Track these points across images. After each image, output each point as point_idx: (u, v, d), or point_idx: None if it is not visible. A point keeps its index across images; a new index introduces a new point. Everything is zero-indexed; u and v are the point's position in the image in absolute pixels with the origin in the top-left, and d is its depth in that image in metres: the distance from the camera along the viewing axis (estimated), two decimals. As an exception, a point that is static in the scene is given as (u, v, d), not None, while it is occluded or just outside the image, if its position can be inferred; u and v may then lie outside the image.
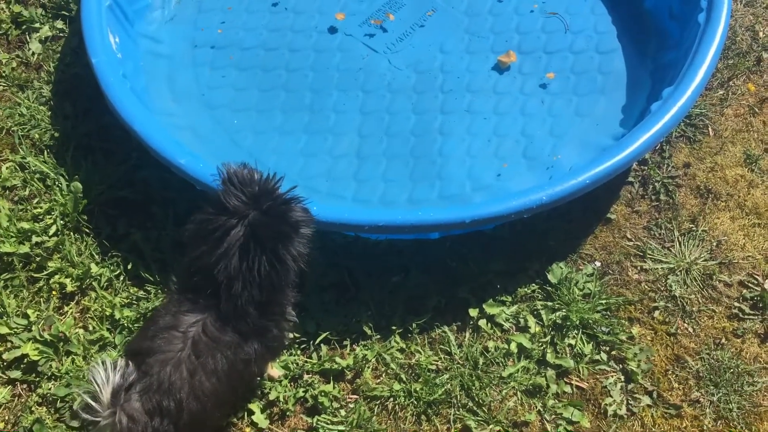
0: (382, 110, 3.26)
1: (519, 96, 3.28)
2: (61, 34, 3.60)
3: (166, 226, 3.00)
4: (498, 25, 3.48)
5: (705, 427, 2.65)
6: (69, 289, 2.87)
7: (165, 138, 2.77)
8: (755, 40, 3.52)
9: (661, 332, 2.84)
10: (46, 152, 3.21)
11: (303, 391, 2.68)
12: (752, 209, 3.09)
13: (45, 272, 2.92)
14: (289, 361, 2.72)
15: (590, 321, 2.81)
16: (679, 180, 3.15)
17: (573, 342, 2.79)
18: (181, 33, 3.52)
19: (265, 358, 2.41)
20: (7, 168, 3.17)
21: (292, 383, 2.71)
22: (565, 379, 2.74)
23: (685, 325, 2.85)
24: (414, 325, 2.80)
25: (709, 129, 3.29)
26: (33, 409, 2.67)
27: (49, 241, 2.96)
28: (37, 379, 2.72)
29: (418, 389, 2.67)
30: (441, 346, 2.79)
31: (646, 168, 3.17)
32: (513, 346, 2.78)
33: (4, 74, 3.47)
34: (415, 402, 2.67)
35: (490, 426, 2.64)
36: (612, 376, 2.74)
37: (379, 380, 2.73)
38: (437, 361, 2.76)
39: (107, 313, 2.81)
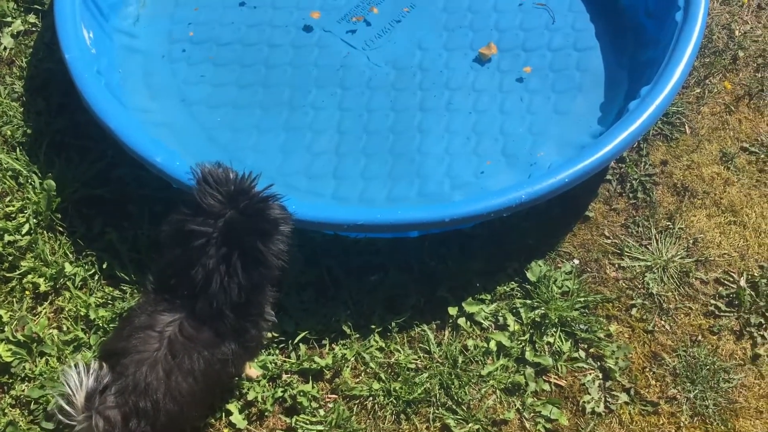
0: (361, 107, 3.24)
1: (497, 94, 3.27)
2: (33, 29, 3.54)
3: (143, 225, 2.96)
4: (477, 22, 3.47)
5: (682, 424, 2.67)
6: (42, 288, 2.82)
7: (141, 135, 2.74)
8: (731, 39, 3.54)
9: (638, 330, 2.85)
10: (18, 149, 3.15)
11: (281, 391, 2.66)
12: (728, 207, 3.12)
13: (18, 272, 2.87)
14: (268, 360, 2.70)
15: (568, 319, 2.82)
16: (656, 178, 3.17)
17: (551, 340, 2.80)
18: (157, 28, 3.47)
19: (242, 358, 2.39)
20: (-22, 165, 3.12)
21: (270, 383, 2.69)
22: (543, 377, 2.75)
23: (662, 322, 2.87)
24: (393, 323, 2.79)
25: (686, 127, 3.31)
26: (6, 411, 2.62)
27: (21, 240, 2.91)
28: (11, 380, 2.68)
29: (397, 388, 2.67)
30: (420, 345, 2.79)
31: (623, 166, 3.19)
32: (492, 345, 2.78)
33: (-26, 69, 3.40)
34: (395, 401, 2.66)
35: (470, 425, 2.64)
36: (590, 374, 2.75)
37: (358, 379, 2.72)
38: (416, 359, 2.75)
39: (82, 313, 2.77)
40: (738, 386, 2.75)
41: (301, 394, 2.65)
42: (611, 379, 2.74)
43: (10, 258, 2.88)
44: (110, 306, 2.80)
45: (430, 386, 2.69)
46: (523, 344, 2.79)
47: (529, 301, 2.86)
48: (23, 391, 2.65)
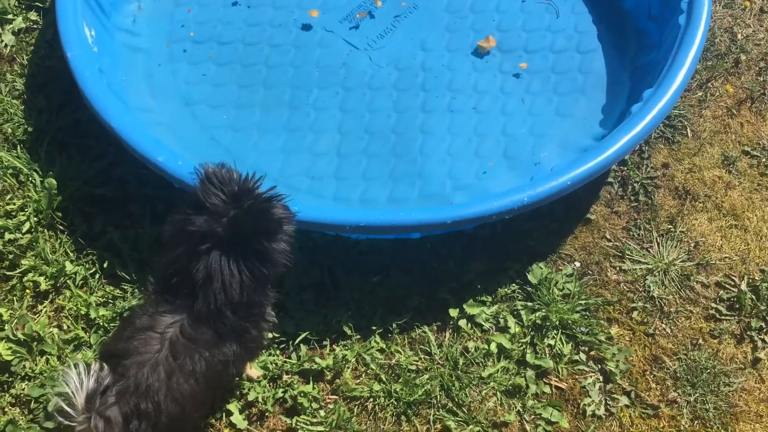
0: (363, 108, 3.24)
1: (500, 95, 3.27)
2: (35, 26, 3.53)
3: (144, 224, 2.95)
4: (479, 23, 3.47)
5: (682, 428, 2.68)
6: (43, 287, 2.82)
7: (142, 135, 2.73)
8: (734, 42, 3.54)
9: (639, 333, 2.85)
10: (19, 147, 3.14)
11: (282, 392, 2.66)
12: (729, 210, 3.12)
13: (18, 270, 2.86)
14: (268, 361, 2.70)
15: (569, 321, 2.81)
16: (658, 181, 3.17)
17: (552, 342, 2.80)
18: (158, 27, 3.46)
19: (243, 358, 2.38)
20: (-22, 163, 3.11)
21: (271, 384, 2.69)
22: (544, 379, 2.75)
23: (663, 325, 2.87)
24: (394, 325, 2.79)
25: (688, 130, 3.31)
26: (6, 409, 2.62)
27: (22, 238, 2.90)
28: (10, 379, 2.67)
29: (398, 389, 2.67)
30: (421, 347, 2.78)
31: (625, 168, 3.19)
32: (493, 347, 2.78)
33: (-25, 66, 3.39)
34: (395, 402, 2.66)
35: (470, 426, 2.63)
36: (591, 377, 2.75)
37: (358, 380, 2.72)
38: (417, 361, 2.75)
39: (82, 312, 2.77)
40: (738, 390, 2.75)
41: (302, 394, 2.64)
42: (612, 382, 2.75)
43: (11, 256, 2.88)
44: (111, 305, 2.79)
45: (430, 388, 2.69)
46: (524, 346, 2.79)
47: (530, 304, 2.86)
48: (23, 389, 2.64)
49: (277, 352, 2.74)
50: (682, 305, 2.91)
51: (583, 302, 2.87)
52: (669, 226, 3.07)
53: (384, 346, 2.77)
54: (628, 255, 3.00)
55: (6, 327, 2.74)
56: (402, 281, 2.87)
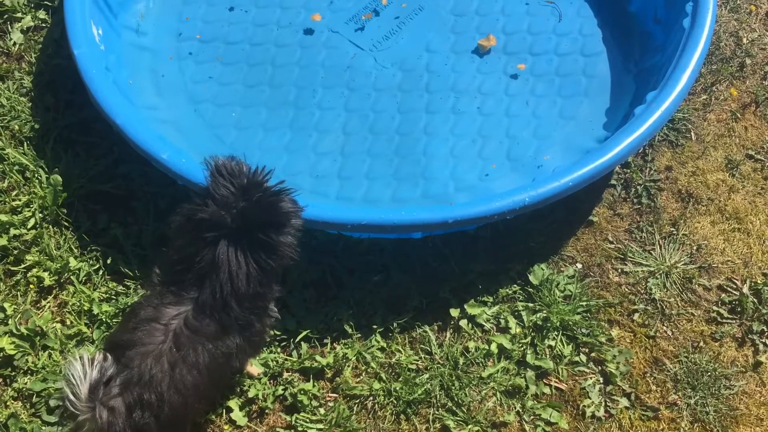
0: (367, 108, 3.25)
1: (504, 97, 3.28)
2: (43, 25, 3.56)
3: (148, 221, 2.97)
4: (484, 26, 3.48)
5: (682, 430, 2.67)
6: (47, 282, 2.84)
7: (147, 132, 2.75)
8: (739, 46, 3.54)
9: (640, 335, 2.85)
10: (25, 144, 3.17)
11: (282, 389, 2.67)
12: (732, 214, 3.12)
13: (22, 265, 2.89)
14: (269, 358, 2.71)
15: (570, 323, 2.82)
16: (661, 183, 3.17)
17: (553, 343, 2.80)
18: (165, 25, 3.48)
19: (246, 352, 2.38)
20: (-15, 159, 3.14)
21: (271, 381, 2.70)
22: (544, 380, 2.75)
23: (664, 328, 2.87)
24: (395, 324, 2.80)
25: (692, 133, 3.31)
26: (8, 403, 2.64)
27: (27, 234, 2.93)
28: (13, 373, 2.69)
29: (397, 388, 2.67)
30: (422, 346, 2.79)
31: (628, 171, 3.19)
32: (493, 347, 2.78)
33: (-16, 64, 3.43)
34: (395, 401, 2.67)
35: (469, 426, 2.64)
36: (591, 378, 2.76)
37: (359, 379, 2.72)
38: (417, 360, 2.76)
39: (85, 308, 2.79)
40: (739, 393, 2.74)
41: (302, 392, 2.66)
42: (612, 383, 2.75)
43: (16, 252, 2.90)
44: (114, 301, 2.81)
45: (430, 387, 2.69)
46: (525, 347, 2.79)
47: (531, 304, 2.86)
48: (25, 383, 2.66)
49: (278, 349, 2.75)
50: (683, 308, 2.91)
51: (584, 304, 2.87)
52: (671, 229, 3.07)
53: (384, 345, 2.78)
54: (630, 257, 3.00)
55: (10, 321, 2.76)
56: (403, 281, 2.88)
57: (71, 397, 2.00)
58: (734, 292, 2.94)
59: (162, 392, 2.08)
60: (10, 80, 3.37)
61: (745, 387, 2.76)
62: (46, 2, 3.60)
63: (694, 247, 3.03)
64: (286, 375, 2.71)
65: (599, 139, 3.10)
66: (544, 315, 2.83)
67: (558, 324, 2.81)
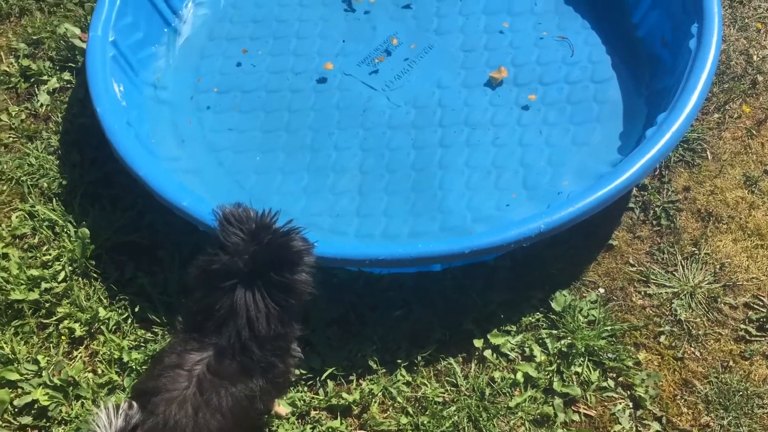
0: (383, 146, 3.32)
1: (516, 127, 3.32)
2: (68, 86, 3.70)
3: (173, 268, 3.04)
4: (493, 60, 3.54)
5: (716, 452, 2.63)
6: (78, 333, 2.91)
7: (167, 181, 2.83)
8: (749, 64, 3.55)
9: (667, 357, 2.83)
10: (54, 200, 3.28)
11: (310, 428, 2.69)
12: (754, 231, 3.09)
13: (54, 318, 2.96)
14: (296, 398, 2.74)
15: (596, 348, 2.80)
16: (680, 204, 3.17)
17: (579, 369, 2.78)
18: (184, 79, 3.60)
19: (270, 394, 2.41)
20: (17, 217, 3.24)
21: (299, 420, 2.72)
22: (572, 407, 2.73)
23: (692, 348, 2.84)
24: (419, 357, 2.81)
25: (708, 153, 3.31)
26: (44, 454, 2.69)
27: (58, 286, 3.01)
28: (48, 424, 2.75)
29: (425, 422, 2.67)
30: (447, 378, 2.80)
31: (646, 193, 3.19)
32: (519, 376, 2.77)
33: (13, 126, 3.56)
34: (423, 435, 2.67)
35: (499, 457, 2.63)
36: (620, 403, 2.73)
37: (386, 414, 2.73)
38: (444, 393, 2.76)
39: (116, 356, 2.85)
40: (773, 411, 2.70)
41: (330, 430, 2.67)
42: (642, 407, 2.72)
43: (47, 305, 2.98)
44: (143, 348, 2.87)
45: (458, 419, 2.69)
46: (551, 375, 2.78)
47: (555, 331, 2.86)
48: (60, 434, 2.72)
49: (305, 388, 2.78)
50: (710, 327, 2.88)
51: (608, 328, 2.86)
52: (693, 249, 3.06)
53: (410, 379, 2.79)
54: (653, 279, 2.99)
55: (43, 373, 2.83)
56: (425, 314, 2.90)
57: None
58: (761, 309, 2.91)
59: None
60: (38, 140, 3.50)
61: (779, 405, 2.71)
62: (70, 64, 3.75)
63: (718, 266, 3.01)
64: (313, 413, 2.73)
65: (614, 163, 3.11)
66: (569, 341, 2.82)
67: (583, 350, 2.80)
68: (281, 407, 2.70)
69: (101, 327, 2.93)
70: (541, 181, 3.16)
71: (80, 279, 3.06)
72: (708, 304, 2.93)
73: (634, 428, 2.68)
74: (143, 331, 2.92)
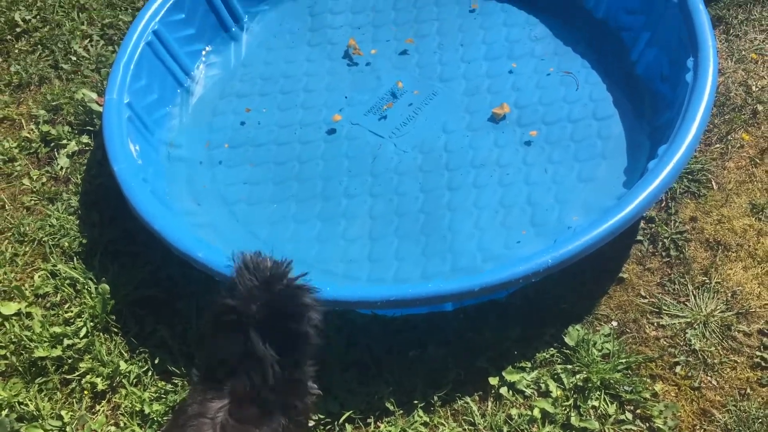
0: (391, 192, 3.39)
1: (522, 166, 3.38)
2: (86, 148, 3.83)
3: (191, 320, 3.10)
4: (497, 102, 3.62)
5: (739, 481, 2.61)
6: (100, 387, 2.97)
7: (183, 234, 2.92)
8: (749, 94, 3.61)
9: (684, 387, 2.82)
10: (75, 259, 3.37)
11: (330, 472, 2.71)
12: (764, 257, 3.11)
13: (77, 373, 3.02)
14: (315, 442, 2.76)
15: (611, 381, 2.81)
16: (688, 235, 3.20)
17: (596, 403, 2.79)
18: (197, 136, 3.72)
19: (293, 432, 2.44)
20: (39, 276, 3.34)
21: (319, 465, 2.74)
22: (591, 441, 2.73)
23: (708, 378, 2.84)
24: (435, 398, 2.83)
25: (713, 183, 3.35)
26: None
27: (80, 342, 3.08)
28: (72, 478, 2.79)
29: (444, 462, 2.69)
30: (464, 417, 2.81)
31: (653, 225, 3.23)
32: (536, 412, 2.78)
33: (35, 189, 3.68)
34: (443, 475, 2.68)
35: (520, 494, 2.62)
36: (639, 435, 2.73)
37: (405, 456, 2.75)
38: (462, 432, 2.78)
39: (137, 409, 2.90)
40: (794, 438, 2.68)
41: (350, 474, 2.69)
42: (661, 439, 2.71)
43: (70, 361, 3.05)
44: (163, 399, 2.91)
45: (476, 458, 2.70)
46: (568, 410, 2.79)
47: (569, 366, 2.87)
48: (84, 488, 2.75)
49: (324, 432, 2.80)
50: (725, 356, 2.88)
51: (623, 361, 2.87)
52: (704, 278, 3.08)
53: (427, 420, 2.81)
54: (665, 310, 3.00)
55: (68, 429, 2.88)
56: (439, 354, 2.93)
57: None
58: (776, 334, 2.91)
59: None
60: (59, 201, 3.61)
61: (800, 431, 2.69)
62: (88, 127, 3.89)
63: (729, 294, 3.02)
64: (333, 458, 2.75)
65: (620, 197, 3.15)
66: (584, 376, 2.83)
67: (599, 383, 2.81)
68: (301, 452, 2.72)
69: (123, 380, 2.99)
70: (550, 217, 3.21)
71: (101, 334, 3.13)
72: (722, 332, 2.94)
73: (655, 460, 2.68)
74: (163, 383, 2.97)
